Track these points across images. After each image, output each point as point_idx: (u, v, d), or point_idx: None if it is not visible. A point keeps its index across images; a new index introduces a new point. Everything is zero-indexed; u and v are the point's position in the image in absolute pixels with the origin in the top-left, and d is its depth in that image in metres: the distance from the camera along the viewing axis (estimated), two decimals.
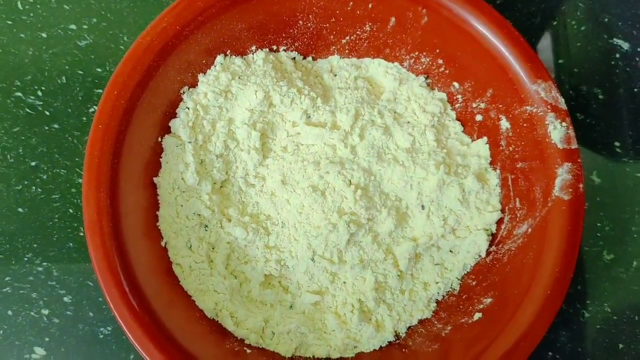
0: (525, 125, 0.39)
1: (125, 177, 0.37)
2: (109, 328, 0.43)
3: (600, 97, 0.49)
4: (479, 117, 0.43)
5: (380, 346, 0.41)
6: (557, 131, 0.37)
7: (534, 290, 0.36)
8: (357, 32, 0.44)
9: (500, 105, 0.41)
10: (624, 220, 0.47)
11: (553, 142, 0.37)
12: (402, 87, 0.45)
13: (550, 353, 0.45)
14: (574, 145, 0.37)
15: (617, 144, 0.48)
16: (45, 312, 0.43)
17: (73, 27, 0.48)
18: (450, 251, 0.42)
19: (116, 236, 0.35)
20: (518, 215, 0.40)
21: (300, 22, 0.43)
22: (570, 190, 0.37)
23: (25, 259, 0.44)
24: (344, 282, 0.41)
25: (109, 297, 0.34)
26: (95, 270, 0.35)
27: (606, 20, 0.50)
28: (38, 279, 0.44)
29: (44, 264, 0.44)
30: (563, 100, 0.38)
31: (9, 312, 0.43)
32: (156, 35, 0.38)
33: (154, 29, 0.38)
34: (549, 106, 0.38)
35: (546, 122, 0.38)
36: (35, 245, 0.44)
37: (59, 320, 0.43)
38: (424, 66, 0.44)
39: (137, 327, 0.34)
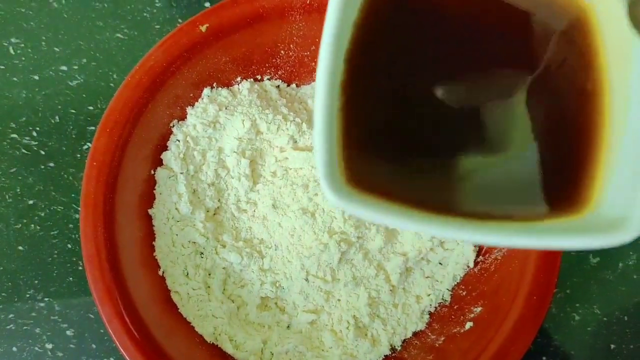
0: None
1: (121, 210, 0.38)
2: (112, 359, 0.44)
3: None
4: None
5: None
6: None
7: (521, 296, 0.37)
8: None
9: None
10: None
11: None
12: None
13: (544, 358, 0.46)
14: None
15: None
16: (49, 346, 0.44)
17: (64, 68, 0.49)
18: (440, 263, 0.44)
19: (115, 268, 0.37)
20: None
21: (282, 51, 0.44)
22: None
23: (27, 295, 0.45)
24: (339, 300, 0.42)
25: (110, 328, 0.36)
26: (95, 302, 0.36)
27: None
28: (40, 314, 0.45)
29: (46, 299, 0.45)
30: None
31: (14, 349, 0.44)
32: (144, 73, 0.39)
33: (142, 67, 0.39)
34: None
35: None
36: (36, 282, 0.45)
37: (62, 353, 0.44)
38: None
39: (139, 356, 0.35)
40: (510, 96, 0.27)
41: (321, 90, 0.25)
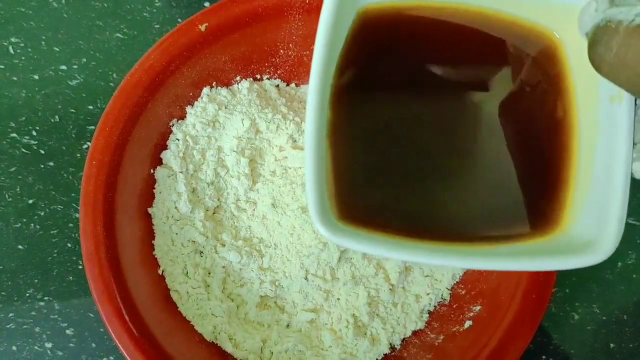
0: None
1: (120, 209, 0.39)
2: (111, 358, 0.44)
3: None
4: None
5: (377, 359, 0.42)
6: None
7: (520, 295, 0.38)
8: None
9: None
10: None
11: None
12: None
13: (544, 356, 0.46)
14: None
15: None
16: (49, 345, 0.44)
17: (64, 67, 0.49)
18: None
19: (114, 267, 0.37)
20: None
21: (282, 51, 0.44)
22: None
23: (27, 294, 0.45)
24: (338, 299, 0.43)
25: (110, 326, 0.36)
26: (95, 301, 0.36)
27: None
28: (40, 313, 0.45)
29: (46, 298, 0.45)
30: None
31: (14, 348, 0.44)
32: (144, 72, 0.39)
33: (142, 66, 0.39)
34: None
35: None
36: (36, 281, 0.46)
37: (62, 352, 0.44)
38: None
39: (139, 355, 0.35)
40: (487, 119, 0.28)
41: (310, 135, 0.26)
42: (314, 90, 0.26)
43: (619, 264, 0.48)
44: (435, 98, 0.29)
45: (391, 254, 0.26)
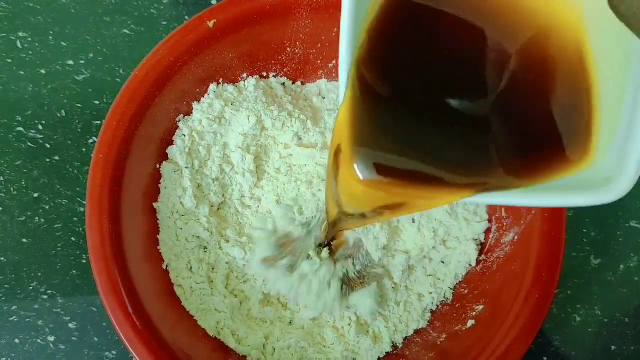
0: None
1: (126, 203, 0.39)
2: (114, 352, 0.44)
3: None
4: None
5: (379, 357, 0.42)
6: None
7: (523, 295, 0.38)
8: None
9: None
10: (609, 225, 0.49)
11: None
12: None
13: (545, 358, 0.46)
14: None
15: None
16: (52, 339, 0.45)
17: (71, 62, 0.50)
18: (442, 262, 0.44)
19: (119, 260, 0.37)
20: (505, 224, 0.42)
21: (288, 49, 0.45)
22: None
23: (31, 287, 0.45)
24: None
25: (114, 319, 0.36)
26: (100, 293, 0.36)
27: None
28: (43, 307, 0.45)
29: (49, 292, 0.45)
30: None
31: (16, 341, 0.44)
32: (151, 68, 0.40)
33: (149, 62, 0.40)
34: None
35: None
36: (39, 274, 0.46)
37: (65, 346, 0.44)
38: None
39: (142, 348, 0.35)
40: (513, 63, 0.28)
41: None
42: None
43: (621, 266, 0.48)
44: (466, 44, 0.28)
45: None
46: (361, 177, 0.25)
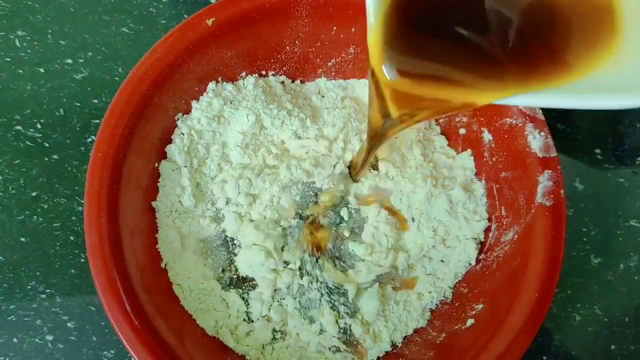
0: (506, 136, 0.41)
1: (124, 202, 0.39)
2: (112, 351, 0.44)
3: None
4: (462, 131, 0.45)
5: (378, 356, 0.42)
6: (537, 140, 0.39)
7: (523, 293, 0.38)
8: (342, 55, 0.46)
9: (482, 119, 0.43)
10: (609, 224, 0.49)
11: (533, 151, 0.39)
12: None
13: (544, 357, 0.46)
14: (554, 153, 0.39)
15: (597, 151, 0.50)
16: (50, 338, 0.44)
17: (69, 61, 0.50)
18: (442, 261, 0.44)
19: (117, 259, 0.37)
20: (504, 223, 0.42)
21: (288, 47, 0.45)
22: (552, 196, 0.38)
23: (29, 287, 0.45)
24: None
25: (112, 318, 0.36)
26: (98, 292, 0.36)
27: None
28: (42, 306, 0.45)
29: (47, 291, 0.45)
30: (540, 110, 0.40)
31: (15, 340, 0.44)
32: (150, 66, 0.39)
33: (148, 60, 0.39)
34: (527, 117, 0.39)
35: (526, 133, 0.39)
36: (38, 274, 0.45)
37: (63, 345, 0.44)
38: None
39: (140, 346, 0.35)
40: None
41: None
42: None
43: (621, 265, 0.48)
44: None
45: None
46: (388, 78, 0.30)
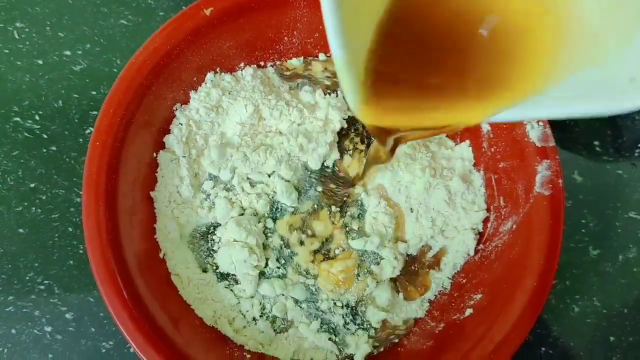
0: (504, 126, 0.41)
1: (122, 191, 0.38)
2: (111, 342, 0.44)
3: None
4: None
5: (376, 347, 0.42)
6: (535, 130, 0.39)
7: (521, 283, 0.38)
8: None
9: None
10: (608, 216, 0.49)
11: (531, 140, 0.39)
12: None
13: (543, 349, 0.46)
14: (552, 143, 0.39)
15: (596, 143, 0.50)
16: (48, 329, 0.44)
17: (68, 53, 0.50)
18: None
19: (115, 248, 0.37)
20: (503, 213, 0.42)
21: (286, 38, 0.45)
22: (550, 185, 0.38)
23: (27, 277, 0.45)
24: None
25: (111, 307, 0.35)
26: (96, 281, 0.36)
27: None
28: (40, 297, 0.45)
29: (46, 282, 0.45)
30: None
31: (13, 331, 0.44)
32: (148, 55, 0.39)
33: (146, 49, 0.39)
34: None
35: (524, 123, 0.39)
36: (36, 264, 0.45)
37: (61, 336, 0.44)
38: None
39: (138, 335, 0.35)
40: None
41: None
42: None
43: (620, 257, 0.48)
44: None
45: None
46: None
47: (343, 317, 0.41)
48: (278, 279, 0.41)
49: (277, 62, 0.45)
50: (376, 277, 0.41)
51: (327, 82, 0.45)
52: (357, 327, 0.41)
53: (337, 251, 0.43)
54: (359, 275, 0.42)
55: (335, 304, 0.41)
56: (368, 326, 0.42)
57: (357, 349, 0.40)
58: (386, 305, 0.41)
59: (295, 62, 0.45)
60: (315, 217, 0.43)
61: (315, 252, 0.42)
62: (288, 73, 0.45)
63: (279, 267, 0.42)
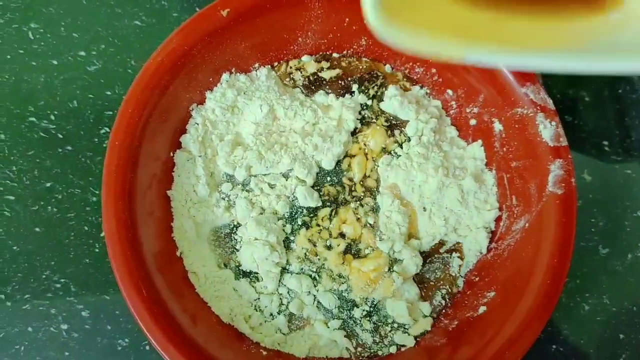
0: (517, 126, 0.42)
1: (140, 190, 0.39)
2: (127, 340, 0.45)
3: (587, 99, 0.51)
4: (473, 122, 0.45)
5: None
6: (547, 130, 0.40)
7: (534, 281, 0.38)
8: (354, 46, 0.46)
9: (493, 109, 0.43)
10: (617, 215, 0.49)
11: (544, 140, 0.40)
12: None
13: (554, 346, 0.46)
14: (564, 142, 0.39)
15: (605, 143, 0.50)
16: (65, 327, 0.45)
17: (82, 53, 0.50)
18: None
19: (134, 246, 0.37)
20: (515, 211, 0.42)
21: (300, 39, 0.45)
22: (563, 184, 0.39)
23: (44, 276, 0.46)
24: None
25: (131, 303, 0.36)
26: (116, 277, 0.36)
27: None
28: (56, 295, 0.45)
29: (62, 280, 0.46)
30: (551, 100, 0.40)
31: (29, 329, 0.45)
32: (165, 56, 0.40)
33: (164, 50, 0.40)
34: (538, 107, 0.40)
35: (536, 122, 0.40)
36: (52, 263, 0.46)
37: (78, 334, 0.45)
38: (418, 75, 0.47)
39: (157, 331, 0.36)
40: None
41: None
42: None
43: (629, 256, 0.48)
44: None
45: None
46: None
47: (361, 312, 0.42)
48: (307, 276, 0.42)
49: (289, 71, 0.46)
50: (402, 274, 0.42)
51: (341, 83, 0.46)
52: (373, 324, 0.42)
53: (366, 251, 0.43)
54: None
55: (362, 303, 0.42)
56: (391, 321, 0.42)
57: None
58: (413, 300, 0.42)
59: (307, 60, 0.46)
60: (339, 219, 0.43)
61: (345, 252, 0.43)
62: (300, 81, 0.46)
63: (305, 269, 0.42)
